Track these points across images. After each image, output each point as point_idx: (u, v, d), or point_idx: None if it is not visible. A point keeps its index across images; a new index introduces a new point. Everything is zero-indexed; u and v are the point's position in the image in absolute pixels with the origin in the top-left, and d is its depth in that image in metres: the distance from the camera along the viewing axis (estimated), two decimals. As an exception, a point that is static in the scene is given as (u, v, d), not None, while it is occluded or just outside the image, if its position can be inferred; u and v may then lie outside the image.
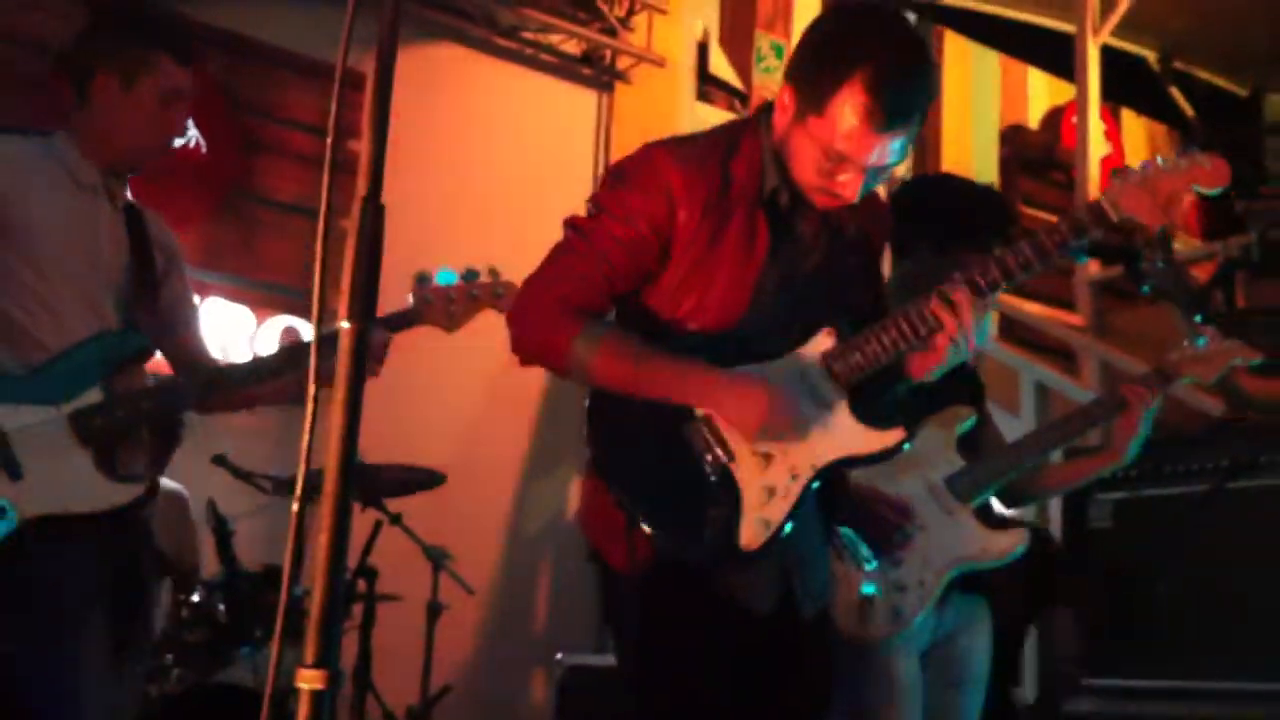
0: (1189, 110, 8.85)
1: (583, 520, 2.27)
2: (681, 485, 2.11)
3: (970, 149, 8.22)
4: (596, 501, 2.19)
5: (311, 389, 1.59)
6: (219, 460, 4.10)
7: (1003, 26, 8.14)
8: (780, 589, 2.21)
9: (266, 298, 5.59)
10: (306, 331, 5.62)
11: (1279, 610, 3.41)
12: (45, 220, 2.66)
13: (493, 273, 2.93)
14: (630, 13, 6.59)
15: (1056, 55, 7.80)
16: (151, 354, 2.79)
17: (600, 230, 2.17)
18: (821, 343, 2.18)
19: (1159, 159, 2.10)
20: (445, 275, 2.95)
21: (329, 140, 1.64)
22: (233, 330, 5.48)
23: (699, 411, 2.12)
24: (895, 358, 2.17)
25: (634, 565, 2.11)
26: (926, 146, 8.04)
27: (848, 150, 2.08)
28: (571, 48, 6.60)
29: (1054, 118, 8.73)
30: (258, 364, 2.89)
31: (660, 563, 2.10)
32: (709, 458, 2.10)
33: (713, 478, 2.10)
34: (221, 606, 3.76)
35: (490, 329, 3.12)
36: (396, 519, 4.33)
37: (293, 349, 2.88)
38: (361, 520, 4.40)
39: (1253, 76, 8.84)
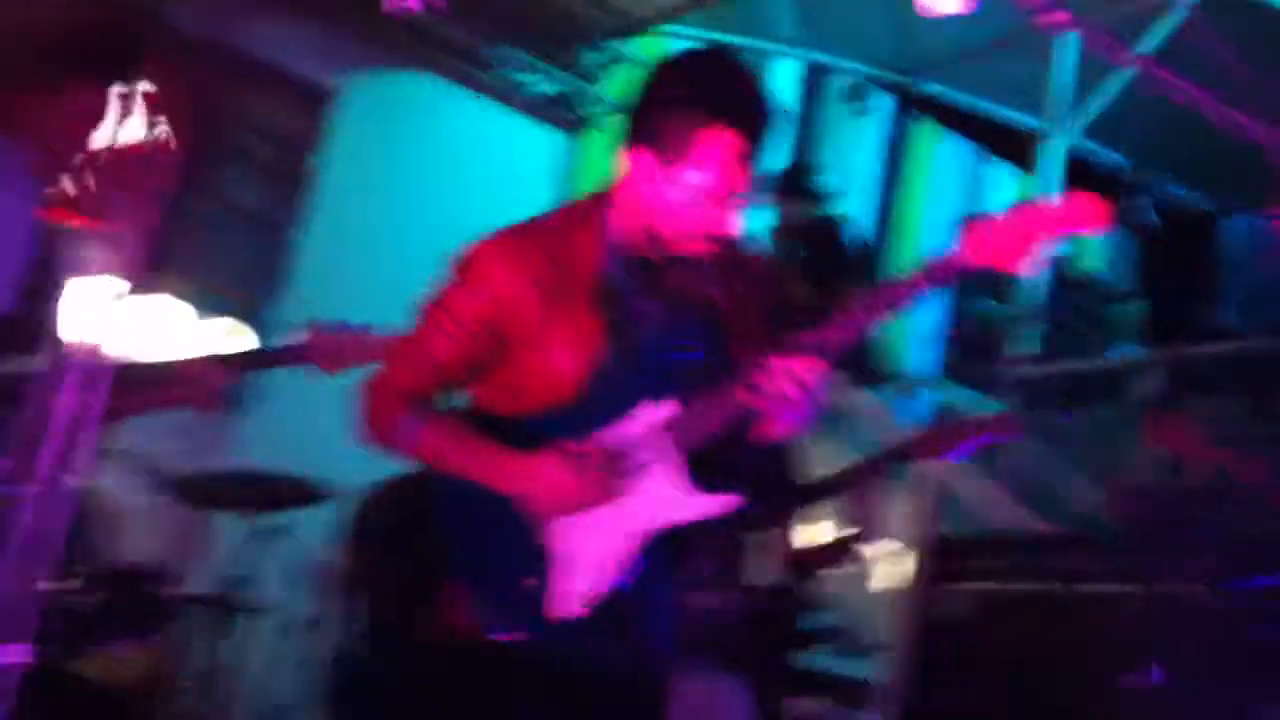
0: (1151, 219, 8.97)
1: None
2: (501, 554, 2.17)
3: (925, 234, 8.33)
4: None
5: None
6: (123, 453, 4.11)
7: (972, 117, 8.27)
8: (622, 648, 2.21)
9: (211, 299, 5.62)
10: (242, 339, 5.66)
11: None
12: None
13: (393, 330, 3.00)
14: (609, 63, 6.68)
15: (1025, 151, 7.93)
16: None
17: (435, 320, 2.26)
18: (661, 411, 2.17)
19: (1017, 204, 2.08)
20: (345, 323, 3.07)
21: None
22: (176, 326, 5.51)
23: None
24: (737, 422, 2.15)
25: (451, 631, 2.19)
26: (886, 225, 8.17)
27: (723, 186, 2.13)
28: (546, 89, 6.69)
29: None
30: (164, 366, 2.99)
31: (474, 633, 2.16)
32: (532, 532, 2.16)
33: (532, 551, 2.15)
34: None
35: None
36: (280, 529, 4.38)
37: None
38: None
39: (1218, 196, 8.97)
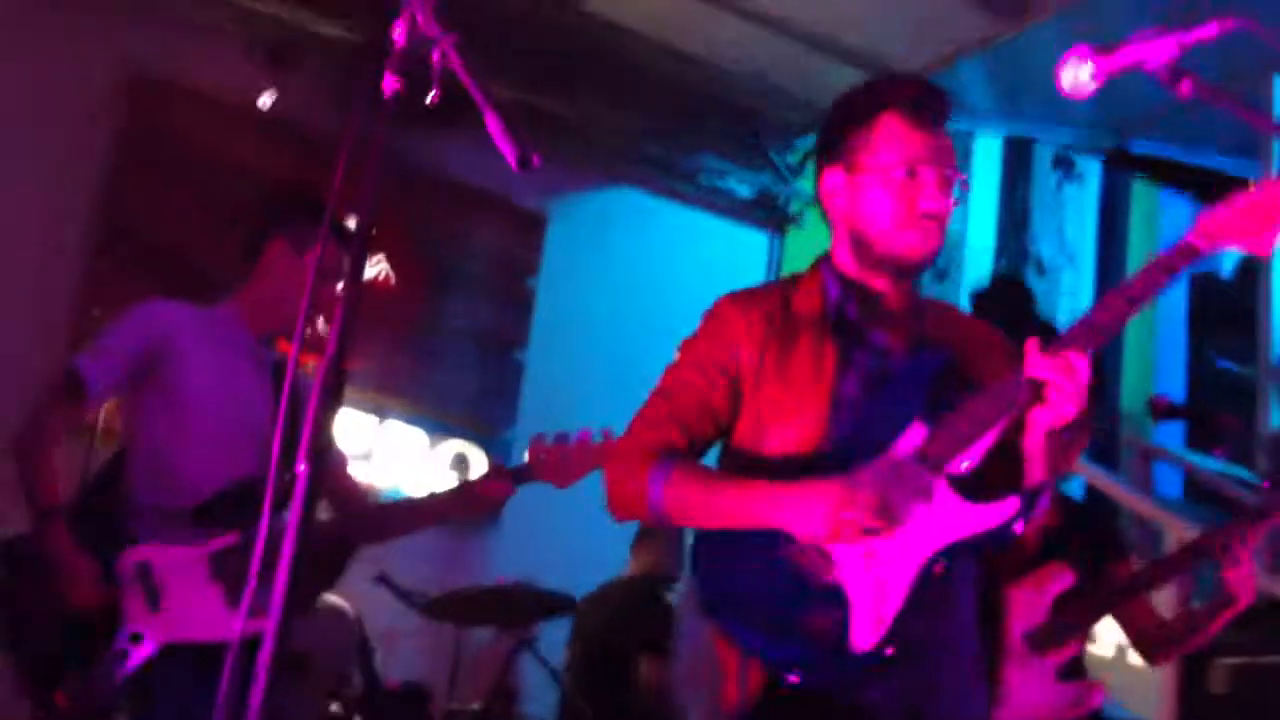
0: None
1: (685, 672, 2.35)
2: (788, 604, 2.04)
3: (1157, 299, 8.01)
4: (704, 645, 2.17)
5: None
6: (381, 579, 4.30)
7: (1193, 171, 7.98)
8: (906, 712, 2.06)
9: (443, 425, 5.88)
10: (477, 459, 5.88)
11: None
12: (203, 380, 2.99)
13: (606, 434, 3.12)
14: (804, 160, 6.75)
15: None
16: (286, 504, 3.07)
17: (677, 377, 2.27)
18: (911, 436, 2.09)
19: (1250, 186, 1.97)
20: (564, 434, 3.18)
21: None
22: (408, 451, 5.77)
23: None
24: (993, 432, 2.04)
25: (745, 698, 2.06)
26: (1108, 289, 7.90)
27: (906, 155, 2.17)
28: (745, 192, 6.81)
29: (1248, 268, 8.46)
30: (414, 505, 3.20)
31: (772, 689, 2.03)
32: (809, 568, 2.05)
33: (816, 588, 2.03)
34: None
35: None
36: (529, 643, 4.45)
37: (455, 492, 3.18)
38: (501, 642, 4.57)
39: None
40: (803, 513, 2.01)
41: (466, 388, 6.00)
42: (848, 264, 2.28)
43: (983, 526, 2.02)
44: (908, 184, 2.17)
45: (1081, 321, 1.99)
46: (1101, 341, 1.98)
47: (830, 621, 2.00)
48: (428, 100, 1.73)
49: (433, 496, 3.24)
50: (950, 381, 2.17)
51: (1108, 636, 5.60)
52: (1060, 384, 1.95)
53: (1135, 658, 5.47)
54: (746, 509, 2.09)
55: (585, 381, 5.92)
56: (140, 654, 2.75)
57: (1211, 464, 6.46)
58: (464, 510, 3.20)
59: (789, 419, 2.16)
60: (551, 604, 4.38)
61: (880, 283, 2.26)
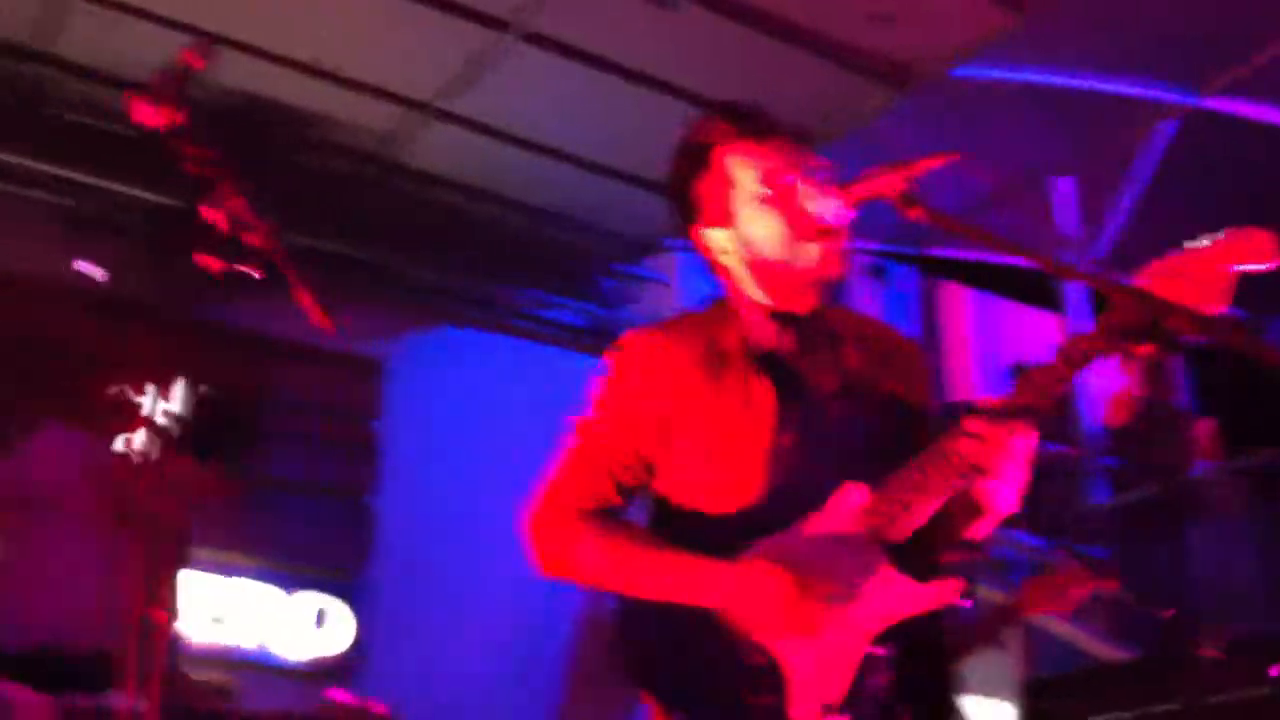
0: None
1: None
2: (723, 681, 1.94)
3: (977, 390, 8.42)
4: (652, 712, 2.01)
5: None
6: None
7: (994, 271, 8.47)
8: None
9: (295, 576, 5.87)
10: (337, 610, 5.87)
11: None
12: (70, 530, 3.02)
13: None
14: (627, 284, 6.98)
15: (1052, 291, 8.08)
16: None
17: (592, 427, 2.11)
18: (851, 499, 1.98)
19: (1187, 244, 1.86)
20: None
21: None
22: (262, 608, 5.75)
23: None
24: (935, 504, 1.96)
25: None
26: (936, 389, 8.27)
27: (763, 172, 2.09)
28: (576, 320, 7.00)
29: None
30: None
31: None
32: (747, 643, 1.94)
33: (753, 664, 1.93)
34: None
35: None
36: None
37: None
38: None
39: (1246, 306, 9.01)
40: (754, 601, 1.92)
41: (316, 537, 6.01)
42: (758, 296, 2.14)
43: (924, 606, 1.94)
44: (784, 197, 2.08)
45: (1007, 398, 1.91)
46: (1026, 417, 1.90)
47: (767, 702, 1.91)
48: (252, 276, 1.85)
49: None
50: (886, 430, 2.09)
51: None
52: (1004, 463, 1.90)
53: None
54: (688, 587, 1.97)
55: (442, 521, 5.98)
56: None
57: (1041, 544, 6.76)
58: None
59: (724, 468, 2.03)
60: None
61: (799, 305, 2.13)
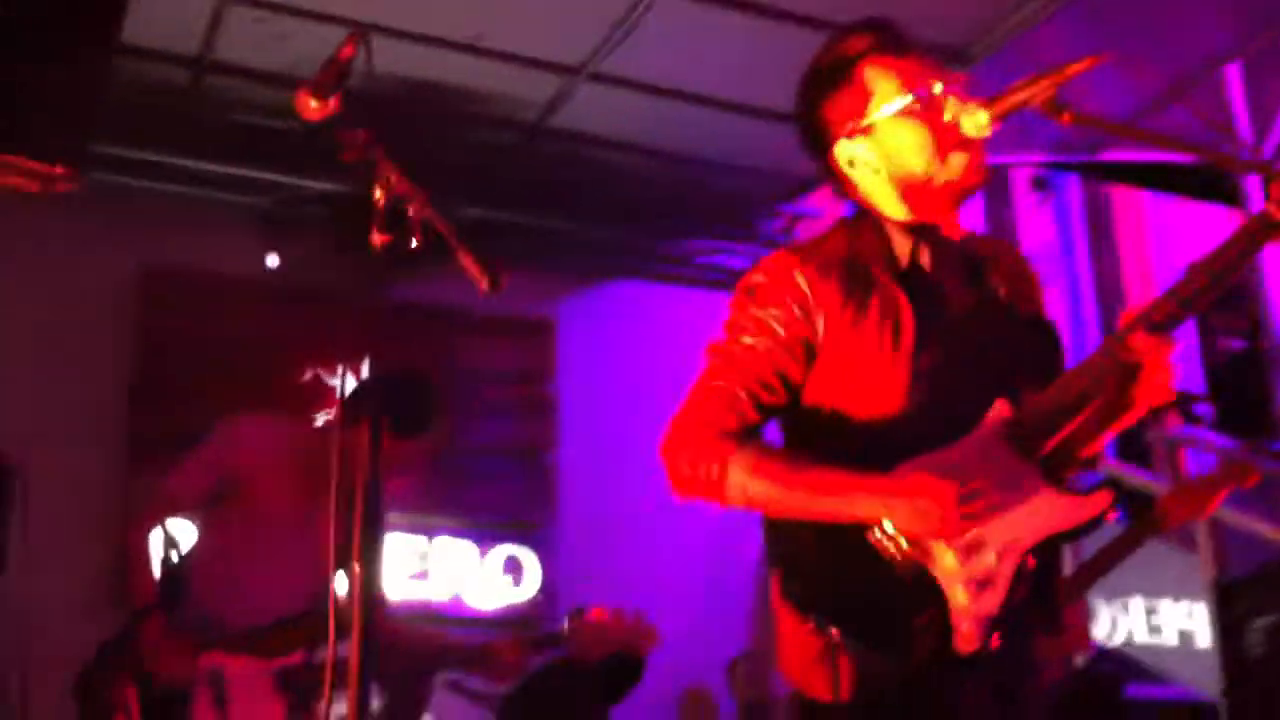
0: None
1: (781, 654, 2.08)
2: (879, 597, 1.95)
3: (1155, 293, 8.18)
4: (789, 629, 2.04)
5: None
6: (453, 686, 4.48)
7: (1170, 170, 8.17)
8: (1001, 695, 2.01)
9: (487, 533, 6.13)
10: (527, 559, 6.10)
11: None
12: (276, 502, 3.23)
13: (638, 613, 3.38)
14: (790, 225, 6.99)
15: (1234, 187, 7.76)
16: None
17: (735, 347, 2.08)
18: (999, 415, 1.98)
19: None
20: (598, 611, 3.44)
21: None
22: (459, 564, 6.04)
23: None
24: (1083, 417, 1.97)
25: (838, 693, 1.96)
26: (1110, 295, 8.08)
27: (908, 84, 2.07)
28: (740, 264, 7.03)
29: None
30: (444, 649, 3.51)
31: (868, 686, 1.95)
32: (902, 562, 1.95)
33: (910, 583, 1.94)
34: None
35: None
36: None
37: (480, 652, 3.44)
38: None
39: None
40: (909, 511, 1.91)
41: (504, 496, 6.26)
42: (896, 212, 2.13)
43: (1077, 520, 1.96)
44: (925, 107, 2.05)
45: (1166, 296, 1.91)
46: (1188, 315, 1.92)
47: (927, 619, 1.92)
48: (412, 245, 1.97)
49: (461, 649, 3.56)
50: (1027, 346, 2.10)
51: (1170, 625, 5.73)
52: (1156, 365, 1.90)
53: (1198, 642, 5.61)
54: (842, 504, 1.95)
55: (618, 470, 6.15)
56: None
57: (1235, 445, 6.56)
58: (482, 668, 3.43)
59: (867, 387, 2.03)
60: (621, 676, 4.52)
61: (940, 219, 2.13)
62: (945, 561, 1.94)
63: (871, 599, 1.95)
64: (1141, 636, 5.68)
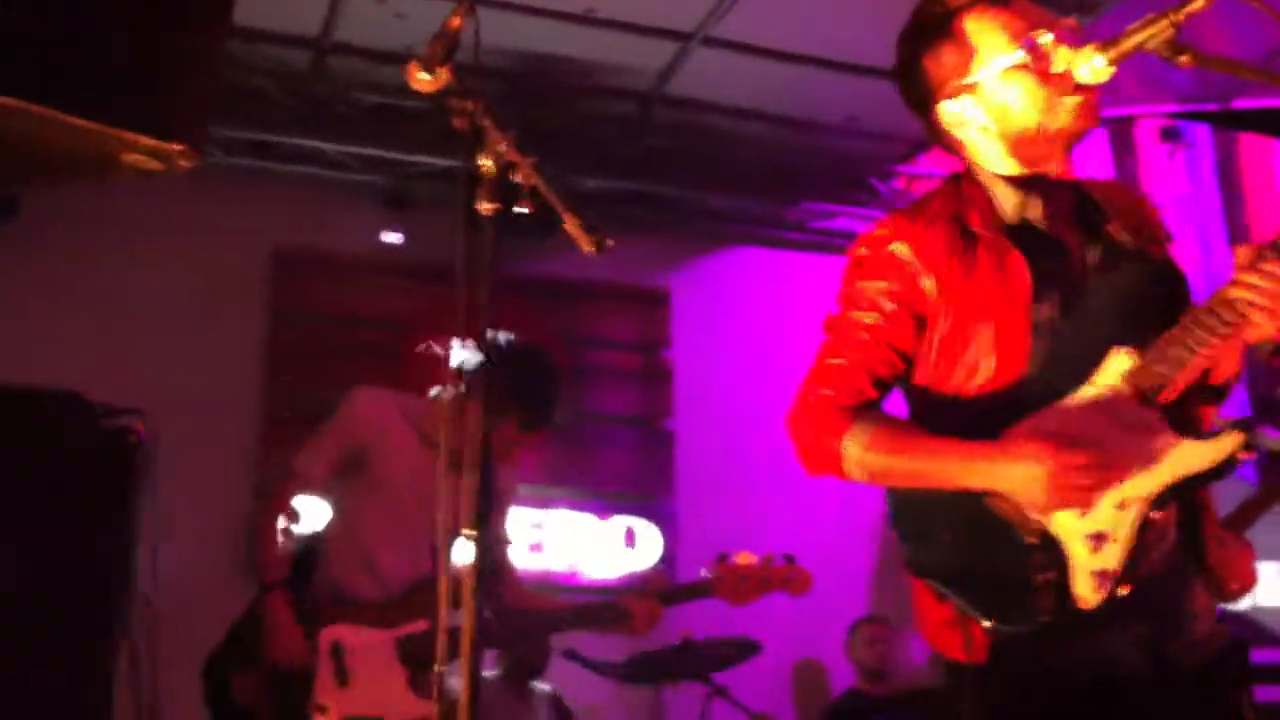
0: None
1: (917, 620, 2.11)
2: (999, 561, 1.95)
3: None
4: (922, 597, 2.07)
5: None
6: (569, 655, 4.55)
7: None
8: (1147, 649, 1.97)
9: (606, 502, 6.17)
10: (644, 530, 6.13)
11: None
12: (400, 473, 3.30)
13: (788, 559, 3.34)
14: (908, 185, 6.89)
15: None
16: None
17: (848, 323, 2.09)
18: (1119, 364, 1.95)
19: None
20: (744, 556, 3.42)
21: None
22: (578, 533, 6.08)
23: None
24: (1205, 358, 1.92)
25: (973, 652, 1.98)
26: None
27: (1012, 34, 2.01)
28: (856, 227, 6.96)
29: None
30: (558, 617, 3.49)
31: (999, 648, 1.97)
32: (1020, 522, 1.94)
33: (1029, 543, 1.93)
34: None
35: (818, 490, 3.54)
36: (721, 691, 4.61)
37: (589, 611, 3.41)
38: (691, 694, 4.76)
39: None
40: (1023, 482, 1.89)
41: (623, 464, 6.30)
42: (1005, 167, 2.09)
43: (1206, 464, 1.92)
44: (1034, 60, 1.99)
45: None
46: None
47: (1044, 579, 1.91)
48: (523, 212, 2.00)
49: (585, 608, 3.53)
50: (1149, 292, 2.05)
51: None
52: (1265, 299, 1.84)
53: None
54: (957, 474, 1.95)
55: (735, 439, 6.15)
56: None
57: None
58: (616, 625, 3.41)
59: (985, 348, 2.00)
60: (738, 649, 4.55)
61: (1049, 167, 2.08)
62: (1063, 518, 1.92)
63: (991, 563, 1.95)
64: (1268, 599, 5.51)
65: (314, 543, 3.39)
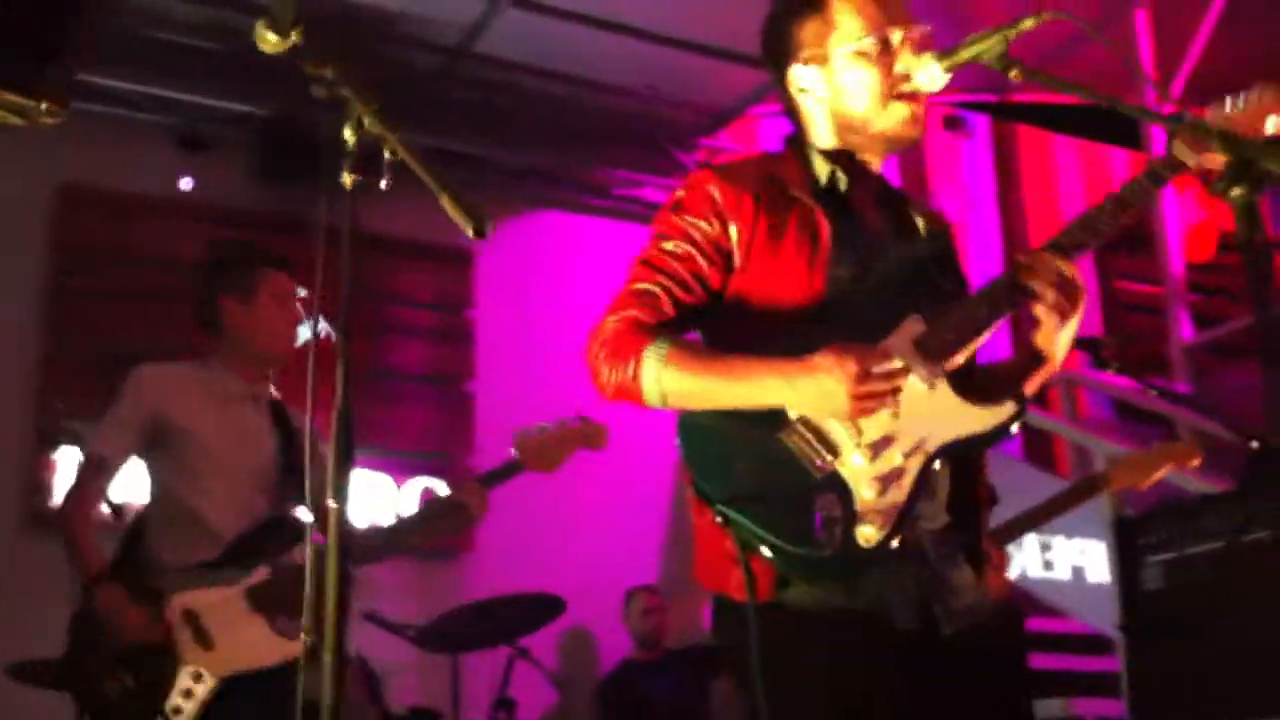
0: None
1: (696, 558, 2.15)
2: (790, 497, 1.99)
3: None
4: (703, 530, 2.10)
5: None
6: (370, 617, 4.52)
7: (1076, 112, 8.35)
8: (919, 607, 2.05)
9: (404, 463, 6.11)
10: (441, 491, 6.10)
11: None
12: (205, 430, 3.23)
13: (582, 418, 3.41)
14: (709, 158, 7.02)
15: (1133, 131, 7.96)
16: (302, 537, 3.28)
17: (658, 252, 2.15)
18: (910, 329, 2.05)
19: (1228, 100, 2.02)
20: (544, 425, 3.43)
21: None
22: (375, 496, 6.00)
23: (792, 414, 2.02)
24: (986, 333, 2.06)
25: (755, 591, 2.00)
26: (1014, 239, 8.28)
27: (872, 24, 2.15)
28: (658, 197, 7.06)
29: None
30: (397, 526, 3.44)
31: (781, 581, 2.01)
32: (812, 461, 2.01)
33: (819, 480, 2.00)
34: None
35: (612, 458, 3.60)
36: (524, 652, 4.68)
37: (426, 510, 3.41)
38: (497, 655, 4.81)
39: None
40: (815, 391, 1.96)
41: (422, 424, 6.25)
42: (828, 142, 2.23)
43: (980, 428, 2.04)
44: (880, 53, 2.15)
45: (1073, 225, 2.05)
46: (1092, 244, 2.05)
47: (835, 515, 1.97)
48: (380, 186, 1.96)
49: (424, 513, 3.58)
50: (940, 271, 2.21)
51: (1063, 560, 5.99)
52: (1052, 291, 2.00)
53: (1089, 577, 5.87)
54: (753, 388, 2.01)
55: (535, 400, 6.15)
56: (204, 690, 3.02)
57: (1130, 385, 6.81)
58: (441, 525, 3.43)
59: (784, 298, 2.10)
60: (540, 609, 4.61)
61: (865, 158, 2.23)
62: (853, 460, 2.01)
63: (782, 495, 2.00)
64: (1035, 572, 5.93)
65: (138, 524, 3.29)
